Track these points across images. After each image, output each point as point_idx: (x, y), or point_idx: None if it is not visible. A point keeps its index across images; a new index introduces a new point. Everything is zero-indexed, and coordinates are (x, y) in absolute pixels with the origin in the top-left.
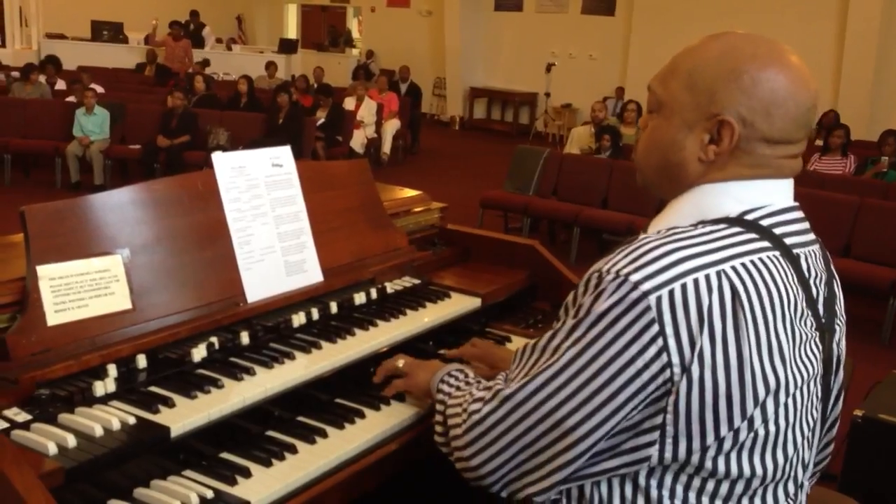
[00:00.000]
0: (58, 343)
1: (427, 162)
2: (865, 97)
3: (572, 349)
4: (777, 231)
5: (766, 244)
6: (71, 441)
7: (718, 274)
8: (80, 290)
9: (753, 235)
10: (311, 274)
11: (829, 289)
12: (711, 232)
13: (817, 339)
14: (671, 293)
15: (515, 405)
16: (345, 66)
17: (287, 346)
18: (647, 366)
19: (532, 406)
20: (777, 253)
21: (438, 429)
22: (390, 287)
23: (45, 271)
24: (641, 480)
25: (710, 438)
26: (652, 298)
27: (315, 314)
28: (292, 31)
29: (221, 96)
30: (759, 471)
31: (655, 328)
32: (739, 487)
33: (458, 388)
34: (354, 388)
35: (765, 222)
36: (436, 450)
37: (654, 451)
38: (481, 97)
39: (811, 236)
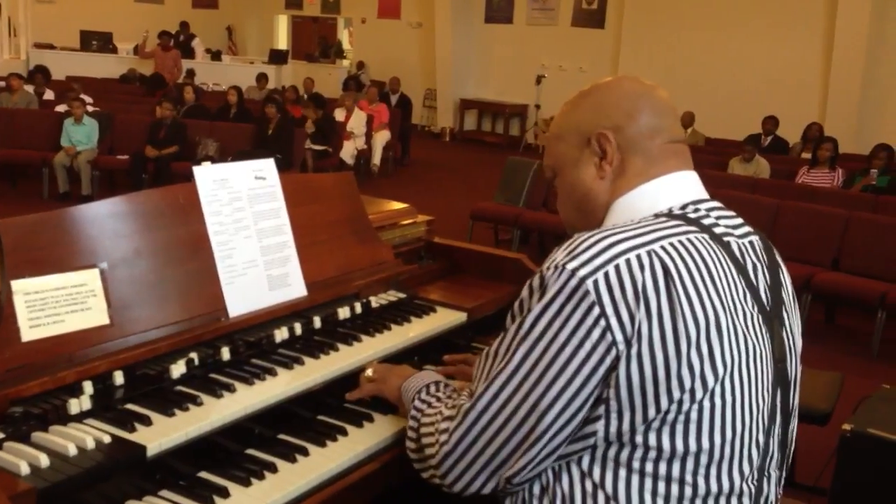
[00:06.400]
0: (32, 359)
1: (417, 173)
2: (853, 110)
3: (523, 345)
4: (705, 222)
5: (693, 228)
6: (44, 461)
7: (649, 253)
8: (56, 305)
9: (680, 222)
10: (294, 288)
11: (774, 276)
12: (641, 222)
13: (761, 321)
14: (606, 275)
15: (478, 415)
16: (335, 77)
17: (269, 361)
18: (594, 347)
19: (495, 411)
20: (706, 236)
21: (411, 444)
22: (375, 301)
23: (20, 286)
24: (596, 473)
25: (652, 411)
26: (589, 283)
27: (298, 329)
28: (283, 42)
29: (211, 107)
30: (705, 445)
31: (597, 310)
32: (690, 464)
33: (429, 405)
34: (338, 404)
35: (692, 215)
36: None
37: (600, 427)
38: (472, 109)
39: (745, 229)
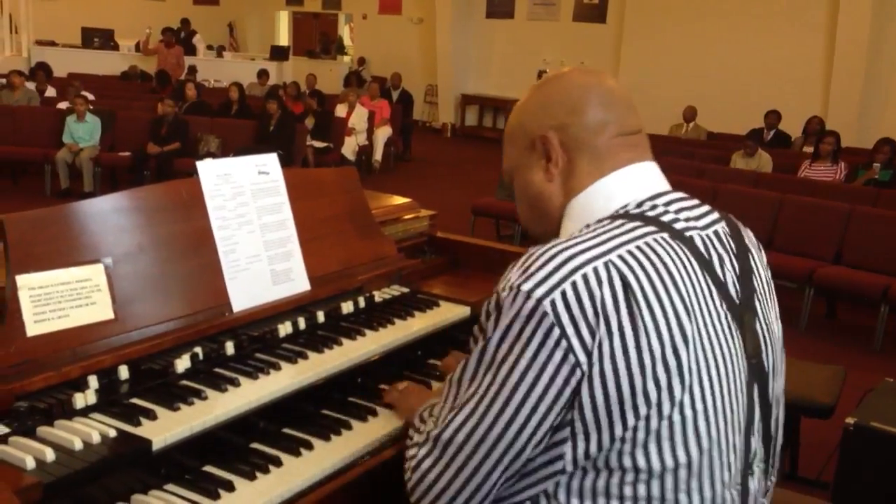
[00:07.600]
0: (37, 354)
1: (419, 169)
2: (855, 105)
3: (488, 374)
4: (664, 219)
5: (651, 229)
6: (50, 455)
7: (606, 265)
8: (61, 299)
9: (637, 223)
10: (297, 283)
11: (744, 263)
12: (595, 229)
13: (730, 319)
14: (563, 294)
15: (446, 443)
16: (336, 73)
17: (273, 356)
18: (557, 370)
19: (462, 439)
20: (665, 235)
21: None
22: (378, 296)
23: (25, 281)
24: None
25: (619, 429)
26: (546, 304)
27: (301, 323)
28: (284, 39)
29: (212, 103)
30: (682, 459)
31: (557, 332)
32: (669, 482)
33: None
34: (341, 398)
35: (650, 213)
36: None
37: (567, 449)
38: (473, 104)
39: (709, 218)
